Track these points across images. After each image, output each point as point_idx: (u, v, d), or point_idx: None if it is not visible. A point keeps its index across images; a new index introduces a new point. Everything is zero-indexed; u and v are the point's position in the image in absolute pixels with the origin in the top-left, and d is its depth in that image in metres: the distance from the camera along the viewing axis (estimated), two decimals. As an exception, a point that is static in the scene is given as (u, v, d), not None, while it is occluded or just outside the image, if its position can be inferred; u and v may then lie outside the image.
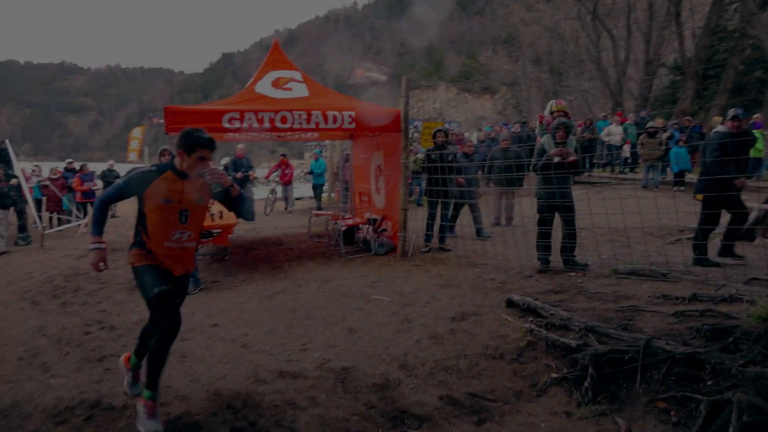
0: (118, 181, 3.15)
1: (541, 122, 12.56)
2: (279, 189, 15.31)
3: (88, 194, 12.76)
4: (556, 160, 6.01)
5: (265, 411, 3.23)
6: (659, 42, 26.52)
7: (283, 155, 14.96)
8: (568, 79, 38.79)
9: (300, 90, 7.61)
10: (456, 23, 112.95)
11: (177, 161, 3.09)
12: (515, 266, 6.29)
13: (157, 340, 2.99)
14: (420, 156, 9.22)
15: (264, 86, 7.55)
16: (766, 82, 22.54)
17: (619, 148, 15.54)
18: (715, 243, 6.37)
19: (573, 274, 5.76)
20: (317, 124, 7.01)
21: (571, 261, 5.99)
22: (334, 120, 7.06)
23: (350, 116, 7.12)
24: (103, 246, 3.05)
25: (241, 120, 6.71)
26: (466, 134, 22.70)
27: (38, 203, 12.56)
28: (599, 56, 28.89)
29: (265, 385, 3.60)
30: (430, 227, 7.74)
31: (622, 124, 16.04)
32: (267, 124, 6.80)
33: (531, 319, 4.26)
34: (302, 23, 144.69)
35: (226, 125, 6.68)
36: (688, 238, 7.33)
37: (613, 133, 15.57)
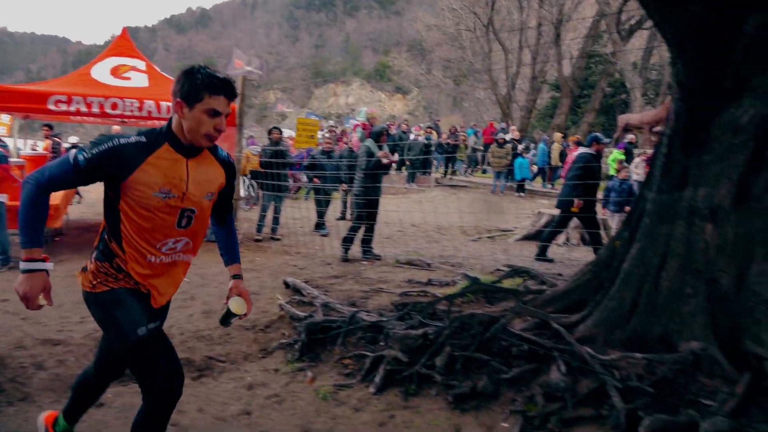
0: (72, 152, 1.87)
1: (364, 129, 13.56)
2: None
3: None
4: (385, 161, 6.76)
5: (6, 371, 3.59)
6: (545, 60, 29.01)
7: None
8: (464, 87, 40.99)
9: (139, 80, 7.80)
10: (375, 21, 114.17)
11: (174, 123, 1.94)
12: (322, 255, 6.98)
13: (149, 409, 1.93)
14: (250, 152, 9.61)
15: (101, 72, 7.68)
16: (628, 104, 25.28)
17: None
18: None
19: (365, 262, 6.53)
20: (150, 113, 7.26)
21: (368, 252, 6.76)
22: (168, 110, 7.37)
23: (185, 108, 7.45)
24: (45, 266, 1.88)
25: (68, 103, 6.83)
26: (352, 133, 23.44)
27: None
28: (490, 67, 31.00)
29: (23, 350, 3.94)
30: (262, 218, 8.26)
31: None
32: (96, 110, 6.96)
33: (294, 297, 4.92)
34: (217, 4, 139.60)
35: (52, 107, 6.78)
36: (488, 237, 8.44)
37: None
